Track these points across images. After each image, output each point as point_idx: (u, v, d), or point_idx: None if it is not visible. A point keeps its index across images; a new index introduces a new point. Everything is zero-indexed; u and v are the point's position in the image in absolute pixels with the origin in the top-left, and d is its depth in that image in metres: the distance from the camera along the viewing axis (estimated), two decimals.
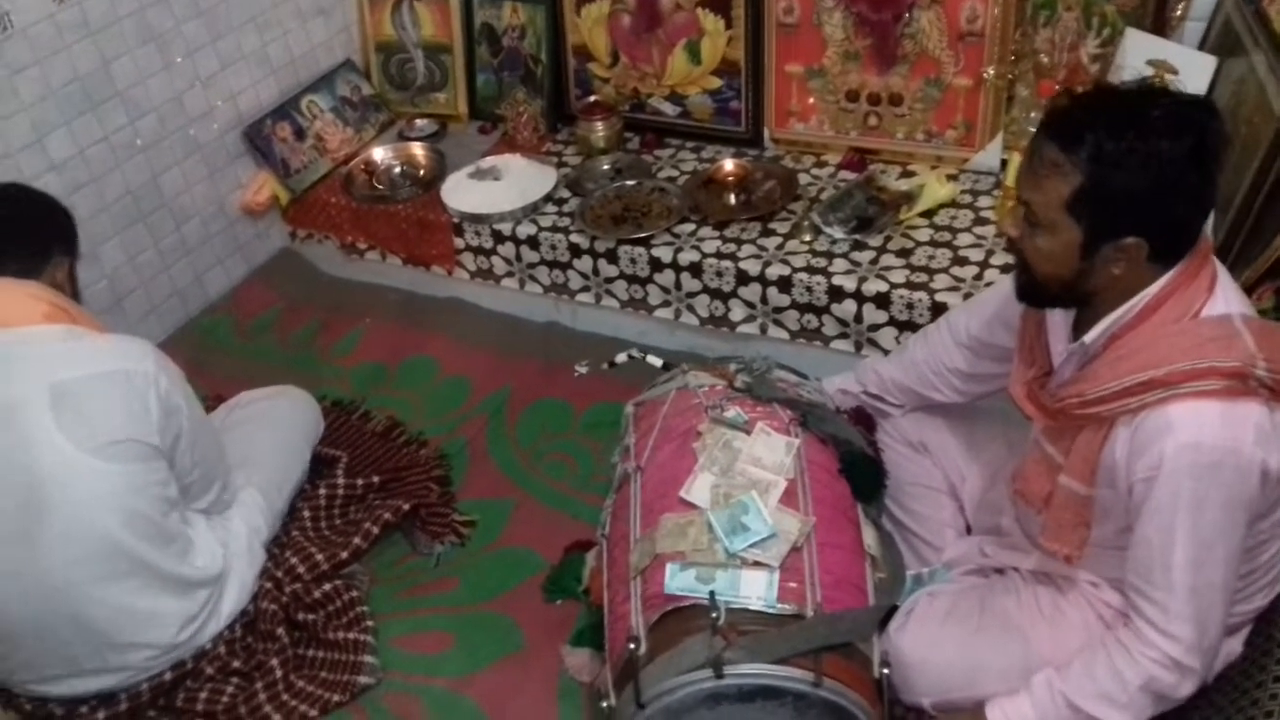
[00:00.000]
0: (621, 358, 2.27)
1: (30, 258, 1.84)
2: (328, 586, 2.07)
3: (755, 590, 1.57)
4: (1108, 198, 1.36)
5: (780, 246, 2.48)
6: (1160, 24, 2.35)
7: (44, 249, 1.87)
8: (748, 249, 2.49)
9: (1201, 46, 2.31)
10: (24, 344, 1.73)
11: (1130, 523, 1.46)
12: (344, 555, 2.12)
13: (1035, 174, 1.42)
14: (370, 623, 2.06)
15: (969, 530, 1.93)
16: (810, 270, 2.39)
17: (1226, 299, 1.43)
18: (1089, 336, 1.49)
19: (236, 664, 1.97)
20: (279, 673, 1.97)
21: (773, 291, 2.44)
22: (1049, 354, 1.60)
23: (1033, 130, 2.31)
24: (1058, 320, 1.58)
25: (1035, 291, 1.53)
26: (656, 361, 2.16)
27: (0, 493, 1.70)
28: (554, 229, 2.68)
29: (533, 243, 2.70)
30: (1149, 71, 2.19)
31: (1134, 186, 1.35)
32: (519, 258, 2.75)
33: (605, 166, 2.88)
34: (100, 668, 1.87)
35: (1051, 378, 1.58)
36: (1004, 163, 2.54)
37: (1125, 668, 1.47)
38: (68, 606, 1.77)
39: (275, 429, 2.27)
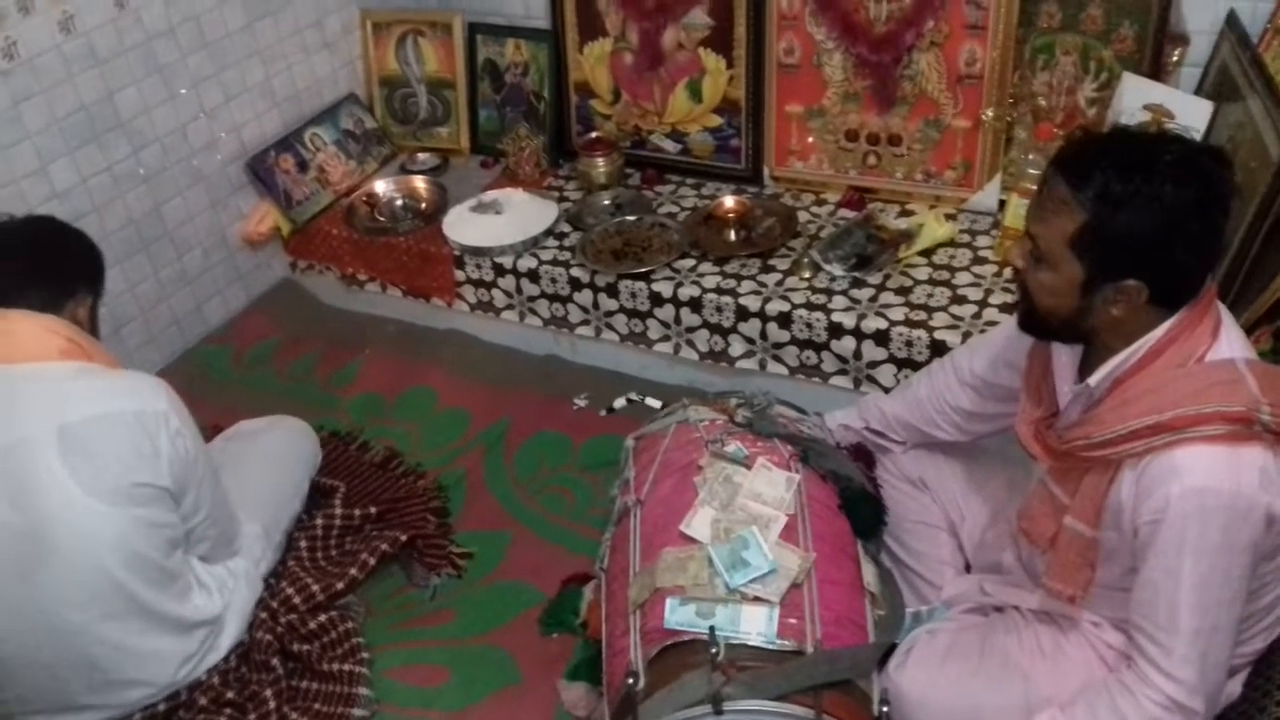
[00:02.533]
0: (620, 402, 2.27)
1: (54, 292, 1.82)
2: (323, 617, 2.06)
3: (755, 626, 1.57)
4: (1110, 238, 1.38)
5: (780, 283, 2.49)
6: (1157, 69, 2.38)
7: (69, 285, 1.85)
8: (748, 285, 2.50)
9: (1198, 91, 2.34)
10: (35, 380, 1.72)
11: (1135, 564, 1.46)
12: (340, 586, 2.11)
13: (1043, 209, 1.43)
14: (365, 654, 2.05)
15: (968, 568, 1.93)
16: (810, 307, 2.40)
17: (1230, 343, 1.44)
18: (1093, 379, 1.49)
19: (230, 695, 1.95)
20: (273, 704, 1.95)
21: (772, 327, 2.45)
22: (1055, 395, 1.60)
23: (1032, 171, 2.37)
24: (1064, 361, 1.59)
25: (1036, 323, 1.54)
26: (655, 403, 2.16)
27: (3, 532, 1.68)
28: (554, 263, 2.69)
29: (533, 276, 2.72)
30: (1145, 116, 2.22)
31: (1136, 229, 1.36)
32: (519, 291, 2.76)
33: (606, 202, 2.89)
34: (97, 704, 1.85)
35: (1058, 419, 1.58)
36: (1002, 203, 2.57)
37: (1128, 709, 1.46)
38: (67, 645, 1.76)
39: (273, 460, 2.27)
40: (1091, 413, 1.50)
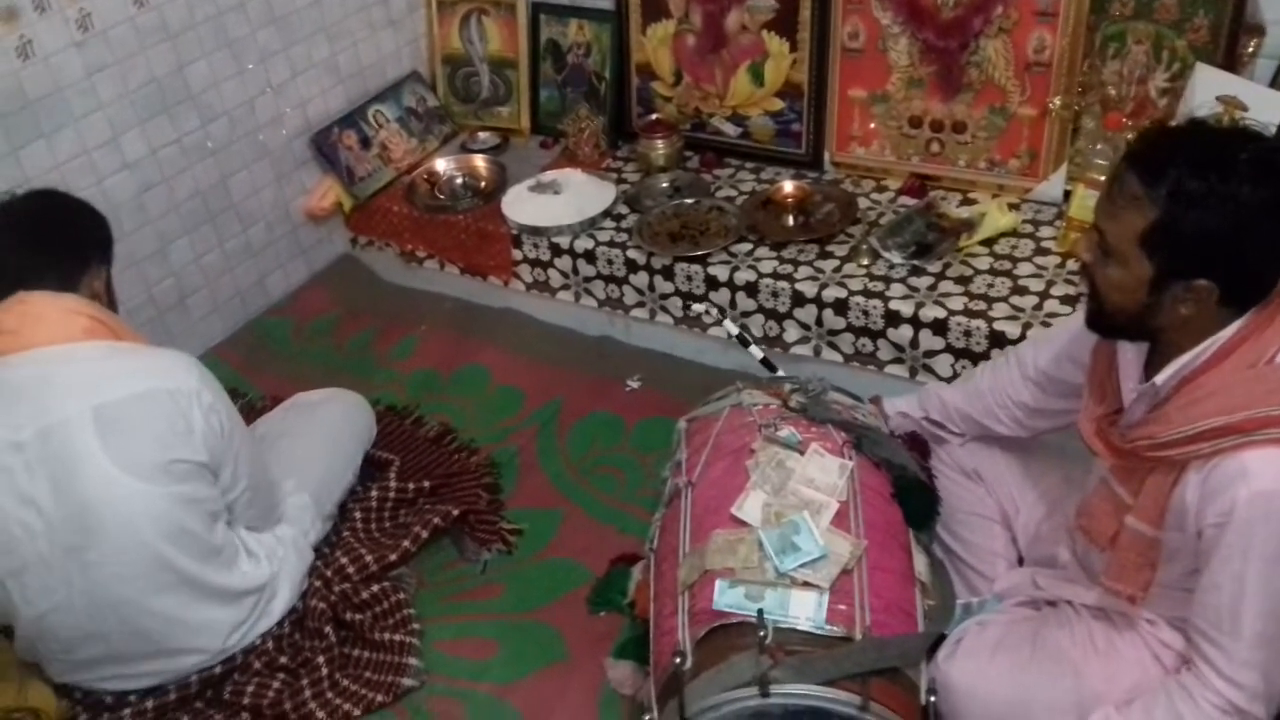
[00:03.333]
0: (732, 328, 2.19)
1: (69, 267, 1.82)
2: (375, 588, 2.09)
3: (804, 610, 1.56)
4: (1182, 237, 1.35)
5: (838, 269, 2.48)
6: (1231, 60, 2.33)
7: (82, 259, 1.85)
8: (804, 270, 2.49)
9: (1273, 84, 2.29)
10: (65, 364, 1.74)
11: (1197, 566, 1.44)
12: (393, 557, 2.14)
13: (1113, 203, 1.40)
14: (416, 625, 2.07)
15: (1021, 561, 1.91)
16: (867, 294, 2.39)
17: None
18: (1160, 378, 1.46)
19: (284, 660, 1.99)
20: (325, 670, 1.99)
21: (828, 314, 2.44)
22: (1119, 392, 1.57)
23: (1099, 162, 2.33)
24: (1129, 358, 1.56)
25: (1103, 320, 1.51)
26: (756, 353, 2.12)
27: (49, 514, 1.72)
28: (611, 244, 2.70)
29: (589, 257, 2.72)
30: (1218, 108, 2.17)
31: (1209, 229, 1.33)
32: (575, 271, 2.77)
33: (664, 184, 2.89)
34: (153, 671, 1.90)
35: (1121, 416, 1.56)
36: (1067, 194, 2.52)
37: (1187, 712, 1.44)
38: (119, 618, 1.80)
39: (327, 432, 2.30)
40: (1157, 412, 1.47)
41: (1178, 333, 1.44)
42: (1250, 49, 2.34)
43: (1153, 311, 1.42)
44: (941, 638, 1.71)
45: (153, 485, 1.74)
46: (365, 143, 3.09)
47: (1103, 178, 2.34)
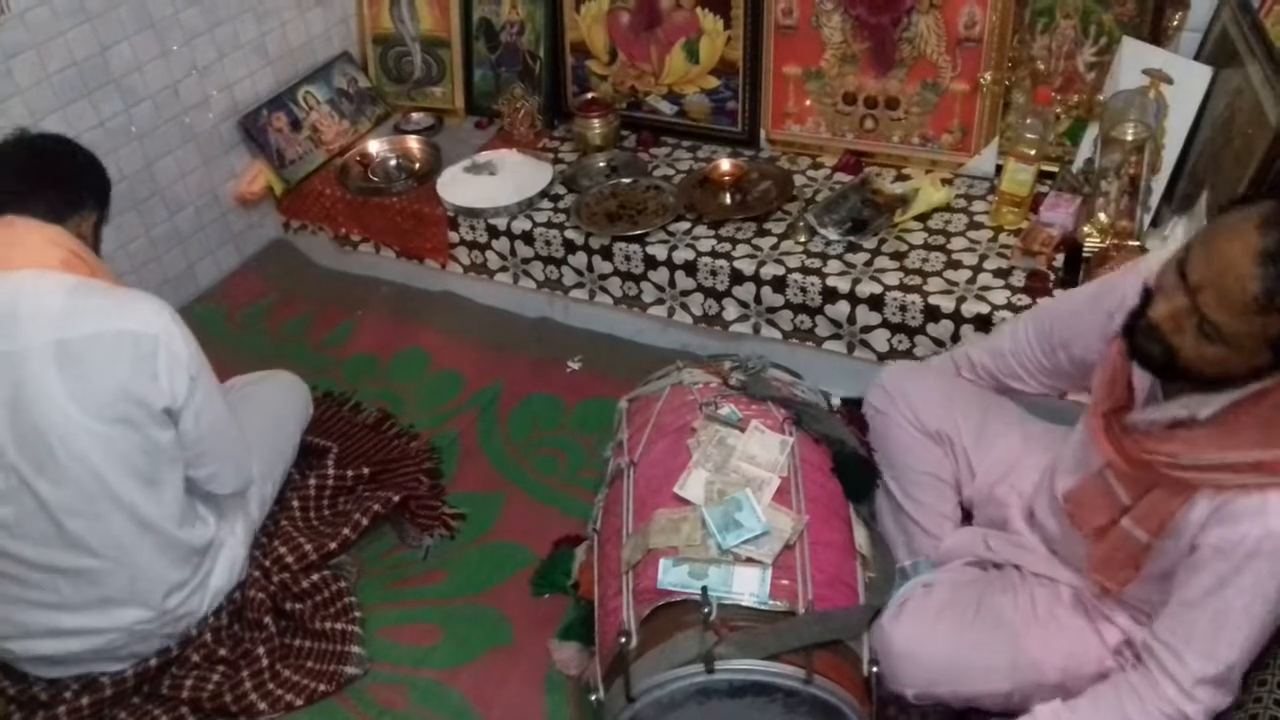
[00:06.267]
0: None
1: (61, 202, 1.82)
2: (316, 577, 2.07)
3: (747, 587, 1.58)
4: None
5: (775, 247, 2.49)
6: (1157, 33, 2.36)
7: (77, 197, 1.85)
8: (742, 249, 2.49)
9: (1198, 56, 2.33)
10: (34, 292, 1.71)
11: (1174, 569, 1.45)
12: (332, 546, 2.12)
13: (1237, 304, 1.29)
14: (358, 613, 2.05)
15: (968, 520, 1.92)
16: (804, 271, 2.40)
17: None
18: (1203, 413, 1.40)
19: (223, 652, 1.96)
20: (265, 661, 1.97)
21: (767, 291, 2.44)
22: (1131, 388, 1.52)
23: (1030, 136, 2.36)
24: None
25: (1169, 373, 1.42)
26: None
27: (2, 438, 1.69)
28: (549, 225, 2.68)
29: (527, 238, 2.70)
30: (1144, 80, 2.21)
31: None
32: (513, 253, 2.75)
33: (601, 164, 2.88)
34: (89, 627, 1.85)
35: (1127, 412, 1.51)
36: (999, 168, 2.55)
37: (1134, 714, 1.46)
38: (63, 551, 1.77)
39: (264, 414, 2.26)
40: (1184, 431, 1.42)
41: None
42: (1175, 22, 2.37)
43: (1239, 380, 1.36)
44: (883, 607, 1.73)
45: (109, 427, 1.72)
46: (295, 125, 3.03)
47: (1034, 152, 2.38)
